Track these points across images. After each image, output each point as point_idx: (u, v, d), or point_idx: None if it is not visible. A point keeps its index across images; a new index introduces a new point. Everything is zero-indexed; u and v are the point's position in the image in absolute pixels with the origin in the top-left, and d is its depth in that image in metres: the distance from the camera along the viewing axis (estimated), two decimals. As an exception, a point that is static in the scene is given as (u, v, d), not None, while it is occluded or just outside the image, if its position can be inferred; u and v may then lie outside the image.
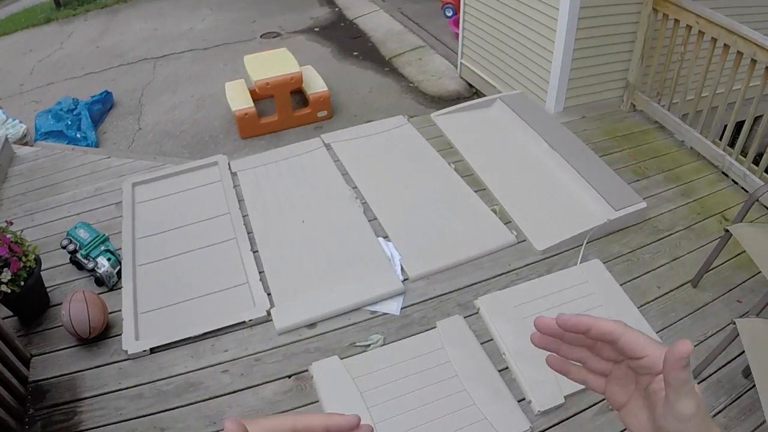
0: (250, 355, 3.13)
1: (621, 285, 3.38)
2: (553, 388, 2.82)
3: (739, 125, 4.18)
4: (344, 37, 8.20)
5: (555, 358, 0.72)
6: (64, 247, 3.68)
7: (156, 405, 2.92)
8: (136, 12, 9.70)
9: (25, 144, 5.66)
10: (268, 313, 3.29)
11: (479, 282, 3.46)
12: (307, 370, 3.02)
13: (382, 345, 3.12)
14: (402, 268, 3.53)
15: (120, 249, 3.77)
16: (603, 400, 2.72)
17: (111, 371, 3.10)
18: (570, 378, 0.72)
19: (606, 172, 4.11)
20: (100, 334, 3.25)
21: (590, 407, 2.80)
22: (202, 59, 7.85)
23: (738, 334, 2.45)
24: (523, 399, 2.82)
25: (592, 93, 5.06)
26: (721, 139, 4.33)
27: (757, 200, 3.21)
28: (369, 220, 3.88)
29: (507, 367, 2.96)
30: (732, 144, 4.29)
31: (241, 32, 8.55)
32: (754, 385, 2.40)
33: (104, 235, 3.74)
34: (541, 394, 2.80)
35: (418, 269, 3.51)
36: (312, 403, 2.87)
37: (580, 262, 3.54)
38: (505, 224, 3.79)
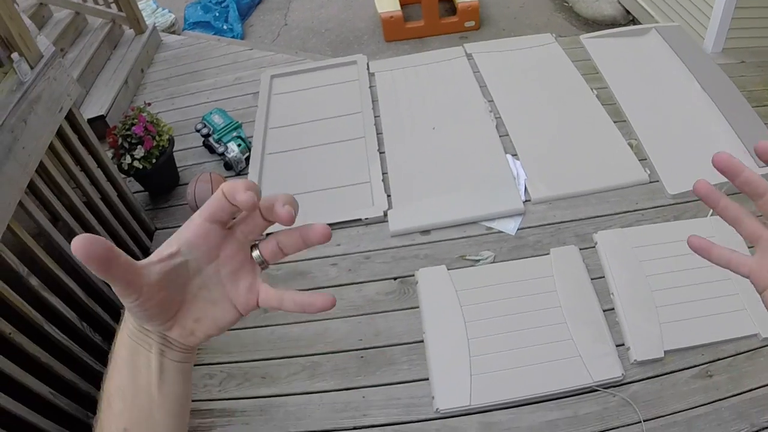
0: (361, 252, 3.19)
1: (750, 248, 3.17)
2: (656, 340, 2.68)
3: None
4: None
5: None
6: (198, 131, 3.83)
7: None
8: None
9: (173, 33, 5.86)
10: (385, 214, 3.32)
11: (602, 216, 3.32)
12: (413, 275, 3.04)
13: (492, 262, 3.08)
14: (525, 189, 3.44)
15: (251, 137, 3.88)
16: (705, 363, 2.62)
17: (227, 251, 3.23)
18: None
19: (757, 123, 3.81)
20: (220, 217, 3.38)
21: (689, 368, 2.62)
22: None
23: None
24: (622, 345, 2.70)
25: (758, 36, 4.63)
26: None
27: None
28: (500, 136, 3.77)
29: (613, 309, 2.83)
30: None
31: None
32: None
33: (238, 122, 3.86)
34: (642, 344, 2.67)
35: (542, 192, 3.41)
36: (412, 308, 2.90)
37: (711, 215, 3.34)
38: (639, 161, 3.60)
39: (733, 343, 2.68)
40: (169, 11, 6.20)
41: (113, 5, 4.93)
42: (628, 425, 2.45)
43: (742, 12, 4.35)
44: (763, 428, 2.42)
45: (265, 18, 6.59)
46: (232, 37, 6.05)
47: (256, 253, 0.64)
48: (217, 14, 6.24)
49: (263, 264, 0.65)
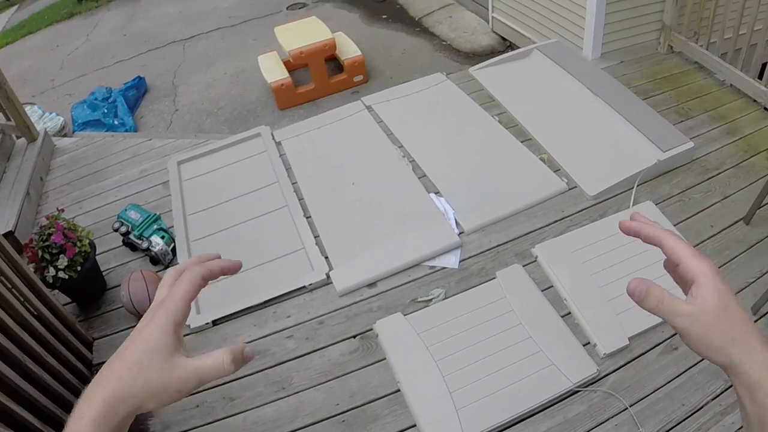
0: (313, 318, 3.16)
1: (674, 225, 3.35)
2: (617, 330, 2.82)
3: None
4: (370, 2, 8.17)
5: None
6: (116, 230, 3.73)
7: (224, 376, 2.95)
8: (159, -4, 9.72)
9: (64, 136, 5.73)
10: (328, 276, 3.32)
11: (534, 230, 3.46)
12: (371, 329, 3.04)
13: (444, 299, 3.13)
14: (456, 222, 3.53)
15: (172, 227, 3.81)
16: (667, 338, 2.75)
17: (176, 346, 3.14)
18: None
19: (650, 114, 4.06)
20: (161, 311, 3.29)
21: (655, 347, 2.80)
22: (231, 36, 7.88)
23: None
24: (588, 343, 2.83)
25: (629, 37, 4.97)
26: (761, 77, 4.23)
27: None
28: (418, 177, 3.87)
29: (569, 313, 2.96)
30: (771, 82, 4.20)
31: (267, 6, 8.55)
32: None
33: (155, 214, 3.79)
34: (606, 337, 2.80)
35: (473, 222, 3.51)
36: (379, 360, 2.90)
37: (633, 205, 3.51)
38: (554, 172, 3.77)
39: None
40: (57, 114, 6.06)
41: (0, 114, 4.74)
42: (617, 414, 2.57)
43: (611, 17, 4.67)
44: None
45: (154, 107, 6.54)
46: (125, 130, 5.96)
47: None
48: (106, 110, 6.13)
49: None
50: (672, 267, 0.71)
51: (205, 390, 2.88)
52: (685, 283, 0.69)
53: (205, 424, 2.78)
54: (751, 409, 0.63)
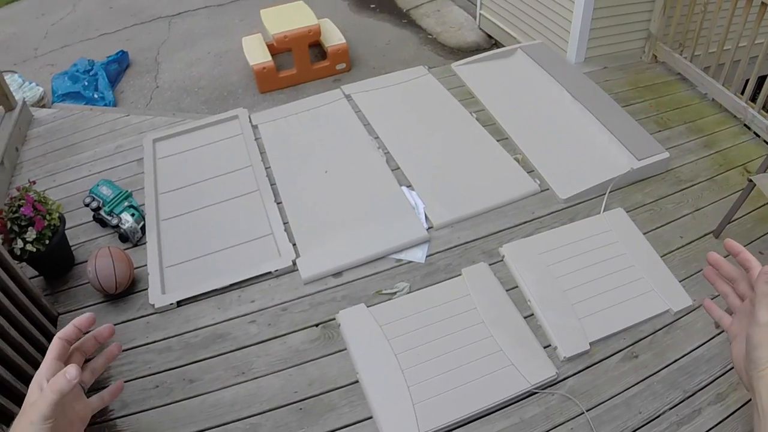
0: (277, 305, 3.15)
1: (644, 234, 3.37)
2: (579, 334, 2.84)
3: (761, 80, 4.12)
4: (361, -11, 8.12)
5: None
6: (87, 205, 3.69)
7: (184, 357, 2.95)
8: (149, -30, 9.60)
9: (43, 106, 5.66)
10: (294, 263, 3.31)
11: (503, 230, 3.47)
12: (334, 319, 3.04)
13: (408, 292, 3.13)
14: (426, 217, 3.53)
15: (143, 205, 3.79)
16: (628, 346, 2.77)
17: (138, 326, 3.13)
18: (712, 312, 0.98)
19: (628, 122, 4.08)
20: (126, 290, 3.28)
21: (615, 354, 2.81)
22: (218, 15, 7.81)
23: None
24: (549, 345, 2.84)
25: (614, 44, 4.99)
26: (742, 93, 4.27)
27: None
28: (392, 170, 3.87)
29: (532, 314, 2.97)
30: (753, 98, 4.22)
31: (257, -14, 8.47)
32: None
33: (127, 191, 3.75)
34: (567, 341, 2.82)
35: (442, 217, 3.51)
36: (340, 351, 2.90)
37: (604, 211, 3.52)
38: (528, 173, 3.78)
39: (650, 322, 2.92)
40: (37, 84, 5.98)
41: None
42: (573, 418, 2.58)
43: (598, 23, 4.69)
44: (696, 392, 2.64)
45: (136, 82, 6.48)
46: (105, 105, 5.90)
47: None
48: (86, 83, 6.06)
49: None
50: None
51: (165, 371, 2.89)
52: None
53: (163, 405, 2.77)
54: None
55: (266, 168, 3.97)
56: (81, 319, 0.87)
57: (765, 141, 4.07)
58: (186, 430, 2.67)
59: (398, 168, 3.89)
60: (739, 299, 0.91)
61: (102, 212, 3.65)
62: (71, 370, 0.78)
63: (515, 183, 3.72)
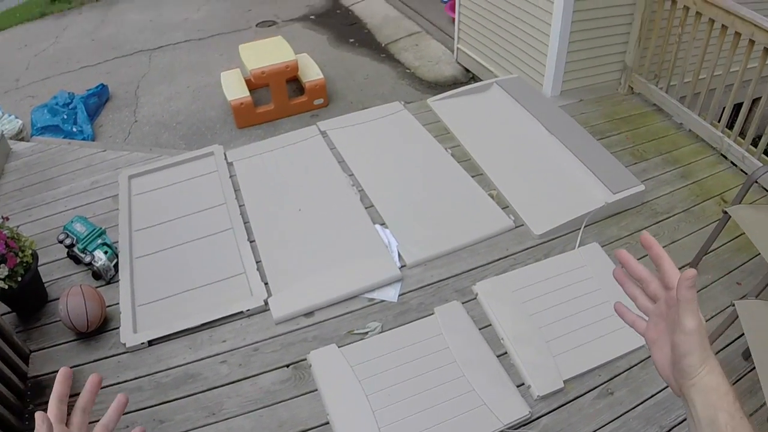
0: (248, 345, 3.12)
1: (621, 267, 3.35)
2: (553, 372, 2.82)
3: (737, 107, 4.15)
4: (340, 24, 8.19)
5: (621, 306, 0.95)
6: (61, 242, 3.66)
7: (155, 397, 2.91)
8: (132, 3, 9.63)
9: (21, 139, 5.63)
10: (266, 303, 3.28)
11: (477, 267, 3.45)
12: (305, 359, 3.00)
13: (380, 332, 3.11)
14: (399, 255, 3.52)
15: (117, 242, 3.75)
16: (603, 383, 2.75)
17: (110, 364, 3.09)
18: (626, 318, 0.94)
19: (604, 155, 4.09)
20: (98, 328, 3.24)
21: (590, 391, 2.80)
22: (198, 49, 7.83)
23: (737, 317, 2.44)
24: (523, 384, 2.82)
25: (590, 76, 5.03)
26: (719, 121, 4.31)
27: (756, 182, 3.18)
28: (366, 207, 3.86)
29: (506, 353, 2.95)
30: (730, 126, 4.26)
31: (237, 21, 8.53)
32: (754, 368, 2.38)
33: (101, 228, 3.72)
34: (541, 379, 2.80)
35: (415, 256, 3.50)
36: (311, 391, 2.86)
37: (579, 246, 3.52)
38: (502, 209, 3.77)
39: (625, 357, 2.90)
40: (16, 117, 5.94)
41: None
42: None
43: (573, 55, 4.73)
44: (673, 427, 2.63)
45: (114, 116, 6.46)
46: (83, 139, 5.86)
47: None
48: (66, 116, 6.04)
49: None
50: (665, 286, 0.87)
51: (135, 411, 2.84)
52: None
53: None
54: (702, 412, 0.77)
55: (240, 206, 3.96)
56: (59, 386, 0.88)
57: (741, 170, 4.10)
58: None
59: (372, 206, 3.88)
60: (650, 301, 0.90)
61: (76, 249, 3.62)
62: None
63: (489, 219, 3.72)
